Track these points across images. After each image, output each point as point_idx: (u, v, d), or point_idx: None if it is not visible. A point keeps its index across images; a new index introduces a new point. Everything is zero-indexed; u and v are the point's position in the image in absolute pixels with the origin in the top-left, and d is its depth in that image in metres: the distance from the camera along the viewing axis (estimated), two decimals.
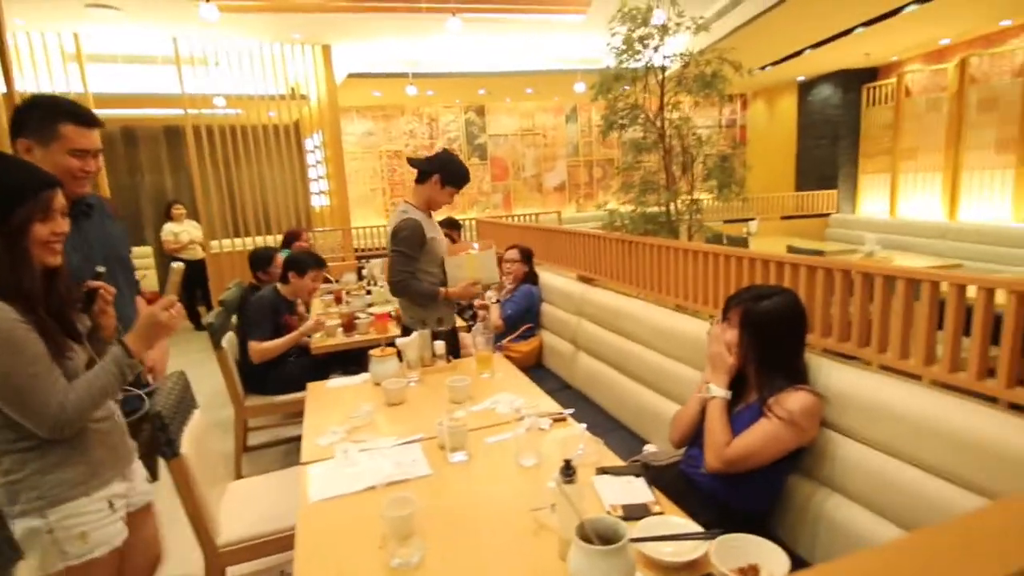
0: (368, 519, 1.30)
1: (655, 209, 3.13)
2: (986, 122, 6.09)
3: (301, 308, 3.30)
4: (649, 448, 2.17)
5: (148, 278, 7.19)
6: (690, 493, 1.62)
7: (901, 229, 6.81)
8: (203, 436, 2.02)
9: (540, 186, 9.22)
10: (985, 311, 1.34)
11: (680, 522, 1.21)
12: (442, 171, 2.53)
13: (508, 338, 3.30)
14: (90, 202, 1.75)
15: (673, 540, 1.14)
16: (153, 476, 2.05)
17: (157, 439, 1.69)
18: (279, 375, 3.07)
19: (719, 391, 1.57)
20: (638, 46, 3.21)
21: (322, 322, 3.09)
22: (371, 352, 2.26)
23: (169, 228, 6.41)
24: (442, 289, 2.59)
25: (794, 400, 1.44)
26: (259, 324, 2.97)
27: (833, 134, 7.87)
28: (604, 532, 1.06)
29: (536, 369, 3.33)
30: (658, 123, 3.08)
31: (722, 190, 3.06)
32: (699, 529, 1.19)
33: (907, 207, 7.12)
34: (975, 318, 1.36)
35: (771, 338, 1.54)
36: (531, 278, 3.45)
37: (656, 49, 3.22)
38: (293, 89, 6.24)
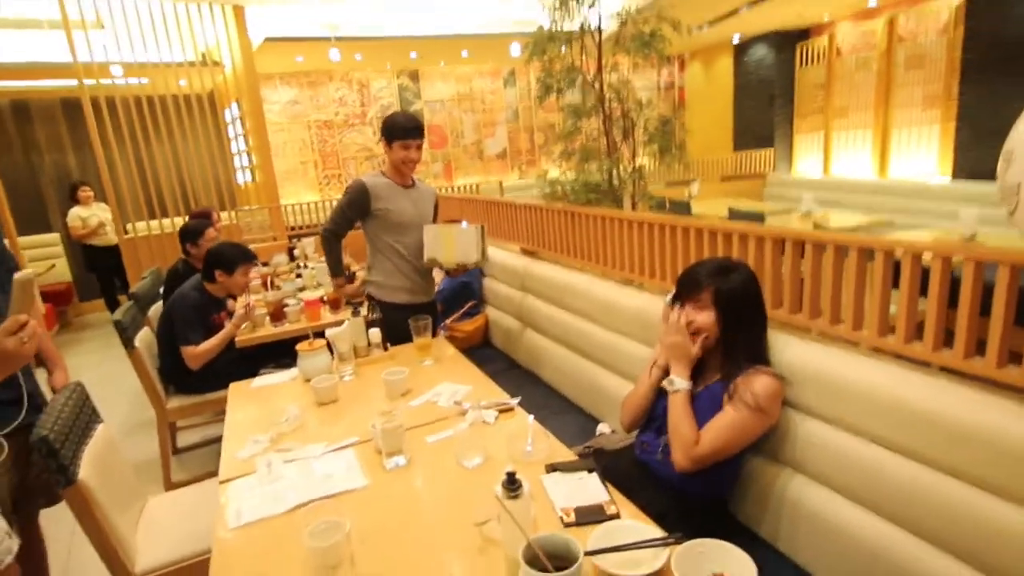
0: (294, 545, 1.14)
1: (598, 177, 3.01)
2: (913, 80, 6.26)
3: (232, 302, 3.02)
4: (602, 428, 2.09)
5: (57, 268, 6.60)
6: (646, 481, 1.55)
7: (835, 187, 6.99)
8: (109, 453, 1.79)
9: (481, 154, 8.95)
10: (942, 276, 1.28)
11: (638, 527, 1.11)
12: (383, 130, 2.45)
13: (451, 318, 3.15)
14: None
15: (634, 548, 1.04)
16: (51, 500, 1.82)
17: (47, 467, 1.46)
18: (204, 371, 2.81)
19: (683, 383, 1.46)
20: (573, 3, 3.03)
21: (252, 308, 2.84)
22: (298, 346, 2.06)
23: (76, 212, 5.83)
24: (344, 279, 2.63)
25: (759, 384, 1.36)
26: (190, 328, 2.69)
27: (768, 94, 7.94)
28: (555, 551, 0.95)
29: (483, 348, 3.21)
30: (596, 86, 2.92)
31: (664, 154, 2.96)
32: (658, 531, 1.10)
33: (840, 165, 7.31)
34: (931, 283, 1.30)
35: (740, 316, 1.46)
36: None
37: (591, 6, 3.04)
38: (204, 55, 5.71)
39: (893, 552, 1.19)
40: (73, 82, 5.06)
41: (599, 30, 3.15)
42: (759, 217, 4.37)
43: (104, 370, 4.60)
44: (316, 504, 1.32)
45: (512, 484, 1.01)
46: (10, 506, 1.68)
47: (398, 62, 8.08)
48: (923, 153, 6.26)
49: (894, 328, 1.38)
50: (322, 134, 8.04)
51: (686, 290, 1.49)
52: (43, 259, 6.42)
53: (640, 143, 2.98)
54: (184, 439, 3.35)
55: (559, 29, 3.10)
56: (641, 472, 1.57)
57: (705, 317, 1.45)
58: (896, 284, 1.38)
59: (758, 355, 1.44)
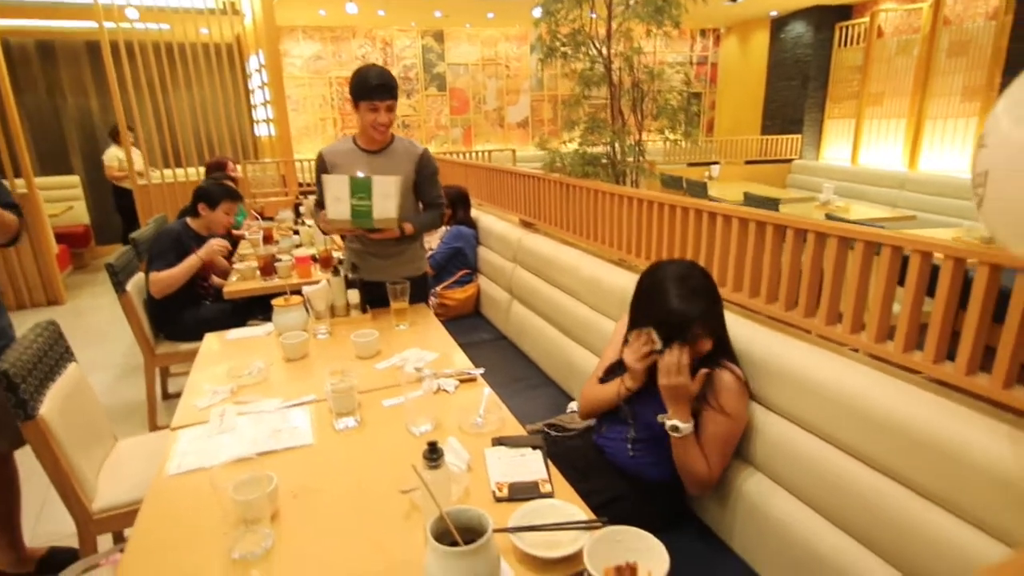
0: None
1: (600, 149, 2.91)
2: (955, 67, 5.93)
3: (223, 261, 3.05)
4: (573, 407, 2.06)
5: (75, 210, 6.71)
6: (602, 464, 1.52)
7: (860, 178, 6.73)
8: (78, 393, 1.81)
9: (502, 121, 8.80)
10: (919, 274, 1.20)
11: (566, 508, 1.08)
12: (349, 88, 2.17)
13: (443, 284, 3.12)
14: None
15: (553, 530, 1.01)
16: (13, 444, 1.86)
17: (6, 401, 1.48)
18: (193, 320, 2.84)
19: (687, 427, 1.33)
20: None
21: (224, 245, 2.86)
22: (274, 302, 2.06)
23: (114, 153, 5.86)
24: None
25: (722, 390, 1.32)
26: (162, 256, 2.71)
27: (803, 75, 7.62)
28: (468, 524, 0.93)
29: (473, 317, 3.19)
30: (604, 51, 2.80)
31: (673, 130, 2.83)
32: (586, 514, 1.07)
33: (869, 155, 7.03)
34: (908, 278, 1.22)
35: (721, 321, 1.41)
36: (461, 221, 3.24)
37: None
38: (226, 3, 5.65)
39: (840, 561, 1.15)
40: (94, 24, 5.06)
41: None
42: (774, 204, 4.22)
43: (114, 312, 4.70)
44: (258, 458, 1.32)
45: (432, 454, 0.99)
46: None
47: (423, 20, 7.91)
48: (958, 147, 5.97)
49: (892, 333, 1.28)
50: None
51: (678, 331, 1.32)
52: (61, 200, 6.53)
53: (648, 116, 2.85)
54: (177, 384, 3.41)
55: None
56: (598, 455, 1.54)
57: (704, 345, 1.35)
58: (902, 283, 1.27)
59: (724, 349, 1.40)
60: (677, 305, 1.33)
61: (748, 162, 7.85)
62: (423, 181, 2.35)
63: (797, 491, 1.27)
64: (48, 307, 5.12)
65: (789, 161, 7.79)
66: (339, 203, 2.09)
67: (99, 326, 4.60)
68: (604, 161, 2.84)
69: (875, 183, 6.51)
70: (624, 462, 1.49)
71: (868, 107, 6.96)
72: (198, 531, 1.10)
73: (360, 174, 2.12)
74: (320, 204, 2.33)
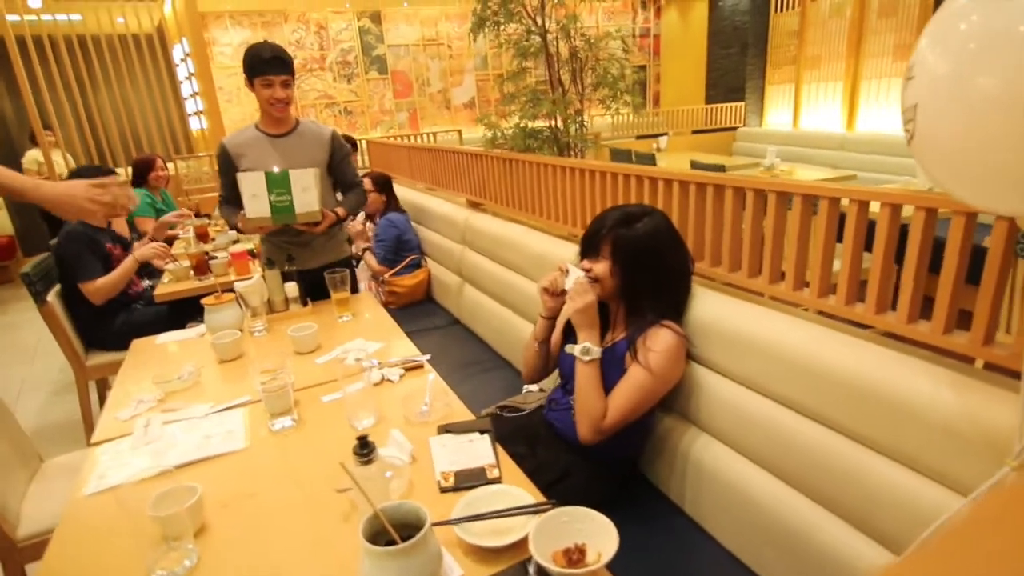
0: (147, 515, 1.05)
1: (542, 123, 2.84)
2: (886, 27, 6.08)
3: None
4: (530, 387, 2.02)
5: None
6: (552, 439, 1.48)
7: (802, 141, 6.87)
8: None
9: (448, 103, 8.62)
10: (857, 225, 1.19)
11: (514, 492, 1.03)
12: (243, 69, 2.06)
13: (391, 271, 3.02)
14: None
15: (497, 517, 0.96)
16: None
17: None
18: (125, 326, 2.67)
19: (596, 350, 1.33)
20: None
21: (159, 244, 2.71)
22: (203, 300, 1.93)
23: (32, 156, 5.44)
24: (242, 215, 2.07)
25: (657, 343, 1.28)
26: (82, 264, 2.52)
27: (742, 43, 7.70)
28: (405, 520, 0.87)
29: (425, 304, 3.11)
30: (538, 20, 2.72)
31: (615, 99, 2.78)
32: (534, 497, 1.02)
33: (810, 118, 7.18)
34: (845, 230, 1.21)
35: (645, 267, 1.35)
36: (389, 208, 3.15)
37: None
38: None
39: (793, 520, 1.13)
40: None
41: None
42: (720, 170, 4.25)
43: (45, 327, 4.42)
44: (175, 470, 1.23)
45: (363, 449, 0.92)
46: None
47: (358, 2, 7.64)
48: (893, 106, 6.14)
49: (835, 288, 1.27)
50: None
51: (588, 242, 1.38)
52: None
53: (589, 86, 2.79)
54: None
55: None
56: (548, 431, 1.50)
57: (600, 267, 1.35)
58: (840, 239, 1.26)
59: (667, 310, 1.35)
60: (600, 219, 1.39)
61: (695, 132, 7.92)
62: (338, 163, 2.28)
63: (747, 452, 1.25)
64: None
65: (734, 129, 7.90)
66: (257, 200, 1.99)
67: (31, 342, 4.32)
68: (546, 134, 2.77)
69: (817, 145, 6.66)
70: (572, 435, 1.45)
71: (806, 71, 7.09)
72: (116, 554, 1.00)
73: (275, 168, 2.02)
74: (225, 200, 2.23)
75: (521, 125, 2.85)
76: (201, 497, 1.03)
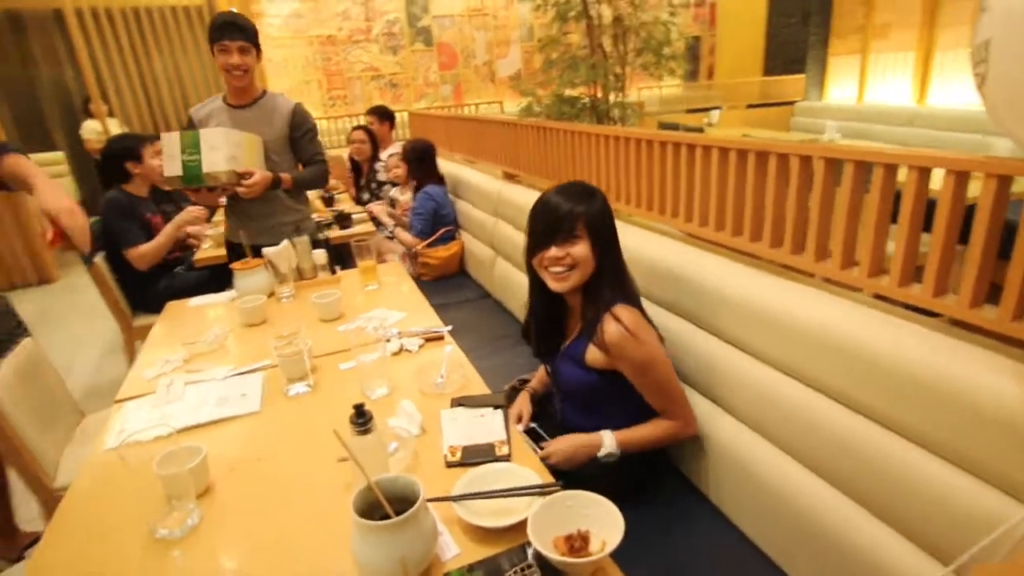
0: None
1: (581, 91, 2.71)
2: None
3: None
4: None
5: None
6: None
7: (867, 116, 6.43)
8: (33, 368, 1.73)
9: (493, 75, 8.48)
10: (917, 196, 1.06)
11: (521, 471, 0.98)
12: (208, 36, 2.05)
13: (424, 242, 2.99)
14: None
15: (497, 496, 0.91)
16: None
17: None
18: (167, 290, 2.74)
19: (615, 448, 1.25)
20: None
21: (204, 212, 2.75)
22: (233, 265, 1.95)
23: (90, 126, 5.71)
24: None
25: (610, 341, 1.20)
26: (126, 231, 2.61)
27: (804, 11, 7.23)
28: (401, 494, 0.83)
29: (458, 276, 3.07)
30: None
31: (658, 65, 2.62)
32: (541, 478, 0.97)
33: (876, 92, 6.70)
34: (903, 201, 1.09)
35: (612, 242, 1.29)
36: (427, 180, 3.06)
37: None
38: None
39: (826, 514, 1.05)
40: None
41: None
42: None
43: None
44: (197, 429, 1.23)
45: (360, 419, 0.89)
46: None
47: None
48: (969, 79, 5.66)
49: (859, 263, 1.17)
50: (325, 51, 7.66)
51: (552, 227, 1.23)
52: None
53: (632, 51, 2.64)
54: None
55: None
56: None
57: (579, 249, 1.23)
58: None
59: (622, 284, 1.28)
60: (556, 201, 1.25)
61: (750, 106, 7.54)
62: (299, 139, 2.23)
63: (781, 442, 1.16)
64: (39, 286, 5.06)
65: (793, 103, 7.47)
66: (173, 161, 1.95)
67: (91, 302, 4.53)
68: (584, 102, 2.65)
69: (883, 121, 6.22)
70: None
71: (874, 41, 6.60)
72: (127, 509, 1.01)
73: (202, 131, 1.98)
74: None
75: (557, 92, 2.74)
76: (206, 459, 1.03)
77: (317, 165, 2.29)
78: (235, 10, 2.46)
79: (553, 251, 1.23)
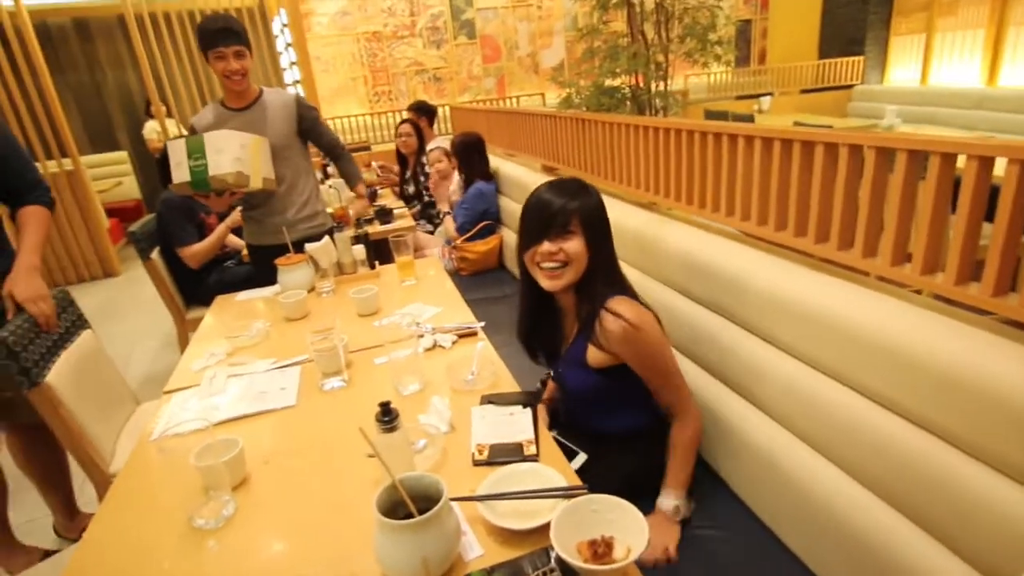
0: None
1: (621, 80, 2.64)
2: None
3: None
4: None
5: (126, 185, 6.93)
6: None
7: (931, 99, 6.07)
8: (91, 359, 1.83)
9: (536, 67, 8.42)
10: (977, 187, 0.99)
11: (547, 472, 0.96)
12: (198, 45, 2.03)
13: (463, 236, 3.01)
14: None
15: (521, 498, 0.90)
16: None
17: (6, 370, 1.49)
18: (217, 284, 2.85)
19: (681, 503, 1.22)
20: None
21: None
22: (277, 261, 2.00)
23: (151, 126, 6.02)
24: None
25: (610, 338, 1.18)
26: (180, 229, 2.73)
27: None
28: (425, 493, 0.83)
29: (497, 272, 3.07)
30: None
31: (703, 52, 2.53)
32: (566, 480, 0.96)
33: (942, 73, 6.31)
34: (961, 192, 1.01)
35: (607, 236, 1.27)
36: (477, 174, 3.06)
37: None
38: None
39: (862, 519, 0.99)
40: None
41: None
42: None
43: None
44: (235, 422, 1.27)
45: (386, 416, 0.89)
46: None
47: None
48: None
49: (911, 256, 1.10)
50: (371, 47, 7.78)
51: (546, 222, 1.20)
52: (111, 177, 6.75)
53: (675, 39, 2.55)
54: None
55: None
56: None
57: (574, 245, 1.20)
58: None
59: (615, 279, 1.26)
60: (549, 198, 1.22)
61: (804, 91, 7.23)
62: (309, 128, 2.27)
63: (817, 444, 1.10)
64: (104, 279, 5.34)
65: (851, 87, 7.12)
66: (180, 168, 1.96)
67: (150, 295, 4.76)
68: (624, 92, 2.58)
69: (949, 104, 5.86)
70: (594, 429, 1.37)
71: (940, 18, 6.21)
72: (169, 498, 1.05)
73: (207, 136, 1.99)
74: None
75: (597, 83, 2.68)
76: (242, 451, 1.06)
77: (345, 157, 2.45)
78: (255, 17, 2.52)
79: (546, 246, 1.20)
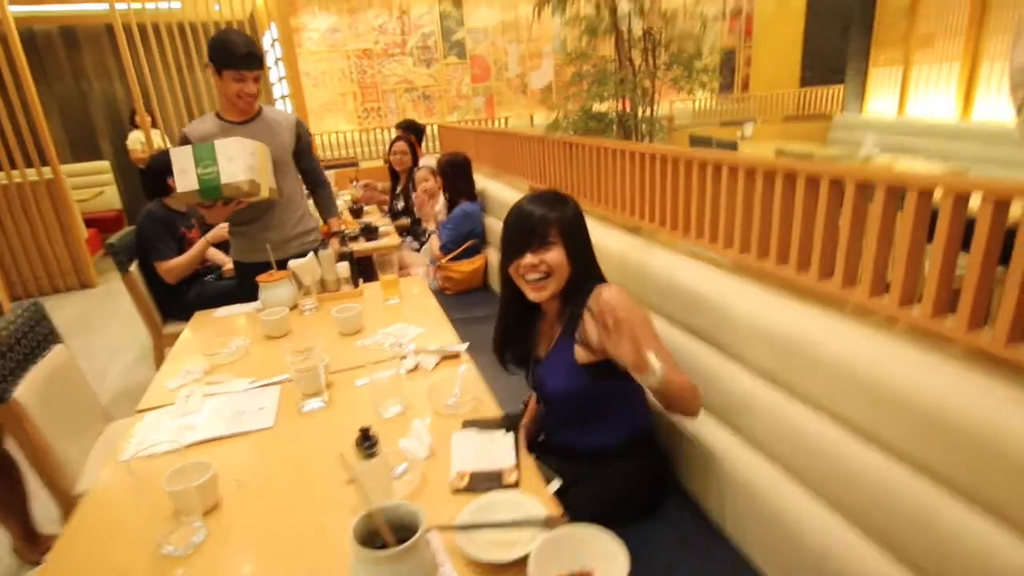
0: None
1: (608, 105, 2.68)
2: None
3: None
4: None
5: (107, 195, 6.84)
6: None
7: (908, 129, 6.22)
8: (62, 375, 1.78)
9: (525, 88, 8.52)
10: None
11: (528, 501, 0.95)
12: (211, 54, 1.97)
13: (447, 256, 3.00)
14: None
15: (499, 527, 0.89)
16: None
17: None
18: (197, 299, 2.81)
19: (660, 367, 1.13)
20: None
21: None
22: (259, 277, 1.97)
23: (135, 136, 5.96)
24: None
25: (610, 298, 1.21)
26: (161, 242, 2.69)
27: (844, 19, 7.06)
28: (402, 522, 0.82)
29: (482, 291, 3.06)
30: None
31: (688, 79, 2.58)
32: (548, 509, 0.94)
33: (919, 105, 6.49)
34: (937, 228, 1.03)
35: (586, 245, 1.31)
36: (462, 194, 3.07)
37: None
38: None
39: (844, 555, 0.99)
40: (105, 6, 5.04)
41: None
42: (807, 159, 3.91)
43: None
44: (209, 444, 1.24)
45: (366, 442, 0.88)
46: None
47: None
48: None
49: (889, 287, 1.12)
50: (361, 64, 7.82)
51: (526, 235, 1.23)
52: (92, 186, 6.66)
53: (662, 66, 2.60)
54: None
55: None
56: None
57: (554, 255, 1.23)
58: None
59: (593, 273, 1.31)
60: (529, 209, 1.26)
61: (786, 119, 7.39)
62: (303, 151, 2.27)
63: (801, 476, 1.11)
64: (81, 290, 5.23)
65: (830, 116, 7.29)
66: (185, 175, 1.88)
67: (128, 308, 4.67)
68: (611, 117, 2.62)
69: (925, 135, 6.01)
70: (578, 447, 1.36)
71: (917, 51, 6.40)
72: (137, 522, 1.02)
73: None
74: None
75: (585, 107, 2.72)
76: (215, 475, 1.03)
77: (324, 187, 2.44)
78: (245, 30, 2.53)
79: (528, 258, 1.23)
